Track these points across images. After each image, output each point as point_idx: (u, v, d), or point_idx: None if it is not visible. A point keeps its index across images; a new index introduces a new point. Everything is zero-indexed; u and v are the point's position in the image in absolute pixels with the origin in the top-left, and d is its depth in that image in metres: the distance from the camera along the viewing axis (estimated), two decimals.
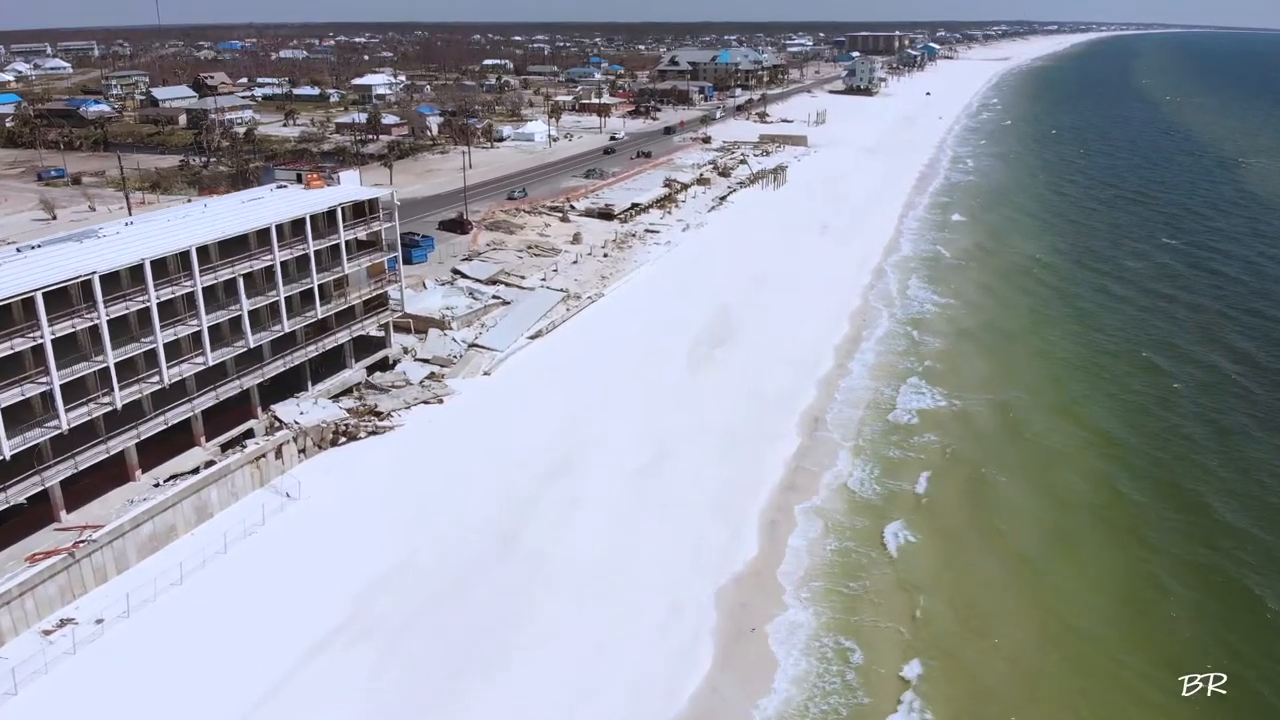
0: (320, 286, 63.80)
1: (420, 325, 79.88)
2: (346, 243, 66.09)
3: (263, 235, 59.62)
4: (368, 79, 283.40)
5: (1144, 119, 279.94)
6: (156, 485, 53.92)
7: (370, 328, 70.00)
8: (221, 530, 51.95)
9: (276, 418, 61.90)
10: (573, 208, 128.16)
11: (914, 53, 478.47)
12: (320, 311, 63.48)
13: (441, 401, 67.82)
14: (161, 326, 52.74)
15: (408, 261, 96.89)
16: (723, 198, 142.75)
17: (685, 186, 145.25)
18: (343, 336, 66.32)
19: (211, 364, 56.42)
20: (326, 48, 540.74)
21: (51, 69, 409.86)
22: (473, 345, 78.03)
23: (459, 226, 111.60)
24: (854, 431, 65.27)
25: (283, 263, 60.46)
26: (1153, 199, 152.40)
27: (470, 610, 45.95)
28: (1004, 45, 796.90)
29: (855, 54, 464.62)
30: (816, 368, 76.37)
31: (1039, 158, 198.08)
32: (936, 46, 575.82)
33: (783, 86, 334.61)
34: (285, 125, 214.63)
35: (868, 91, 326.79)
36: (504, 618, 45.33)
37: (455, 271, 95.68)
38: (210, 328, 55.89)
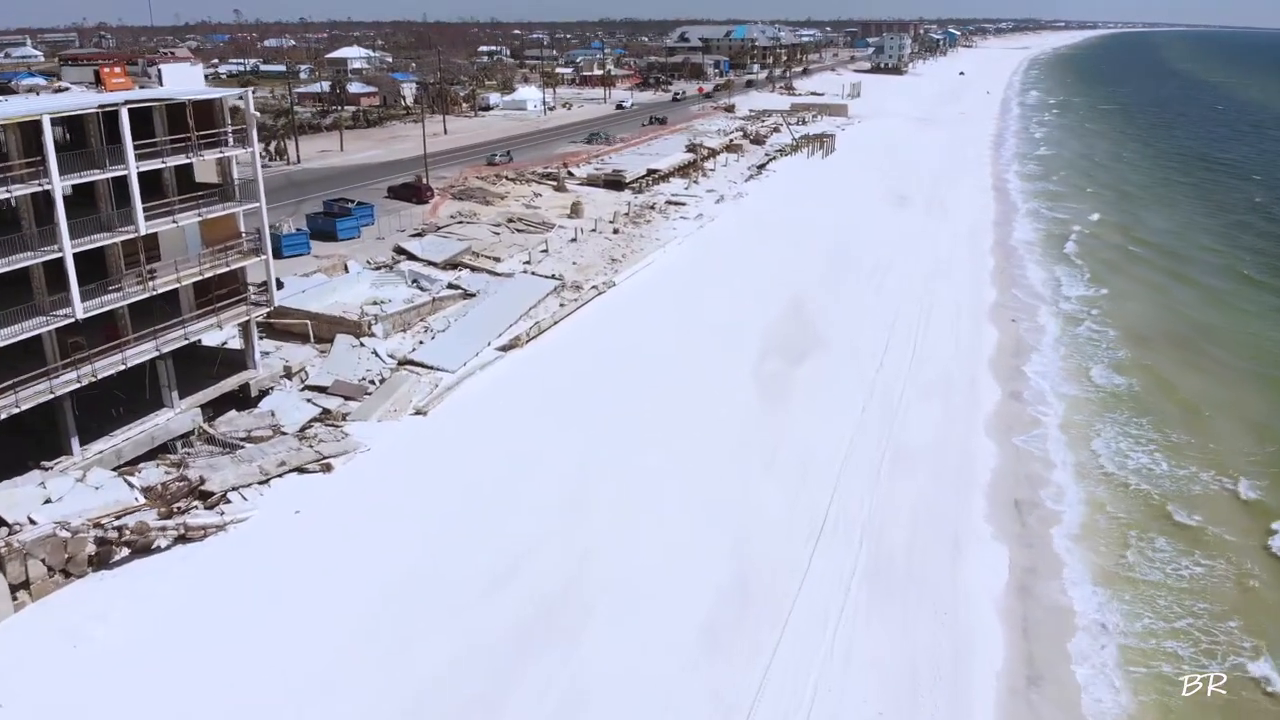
0: (90, 256, 33.70)
1: (325, 329, 49.70)
2: (150, 177, 35.98)
3: None
4: (342, 52, 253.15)
5: (1204, 98, 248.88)
6: None
7: (211, 333, 39.85)
8: None
9: None
10: (571, 174, 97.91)
11: (937, 37, 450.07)
12: (80, 305, 33.12)
13: (329, 468, 37.44)
14: None
15: (331, 238, 67.19)
16: (761, 166, 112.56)
17: (714, 153, 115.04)
18: (146, 351, 36.02)
19: None
20: (317, 39, 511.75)
21: (21, 57, 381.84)
22: (405, 362, 47.71)
23: (415, 194, 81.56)
24: (1097, 533, 34.86)
25: None
26: (1267, 173, 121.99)
27: None
28: (1017, 38, 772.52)
29: (869, 40, 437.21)
30: (976, 399, 46.01)
31: (1115, 131, 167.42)
32: (957, 33, 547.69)
33: (803, 65, 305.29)
34: (242, 98, 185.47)
35: (897, 70, 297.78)
36: None
37: (399, 250, 65.47)
38: None
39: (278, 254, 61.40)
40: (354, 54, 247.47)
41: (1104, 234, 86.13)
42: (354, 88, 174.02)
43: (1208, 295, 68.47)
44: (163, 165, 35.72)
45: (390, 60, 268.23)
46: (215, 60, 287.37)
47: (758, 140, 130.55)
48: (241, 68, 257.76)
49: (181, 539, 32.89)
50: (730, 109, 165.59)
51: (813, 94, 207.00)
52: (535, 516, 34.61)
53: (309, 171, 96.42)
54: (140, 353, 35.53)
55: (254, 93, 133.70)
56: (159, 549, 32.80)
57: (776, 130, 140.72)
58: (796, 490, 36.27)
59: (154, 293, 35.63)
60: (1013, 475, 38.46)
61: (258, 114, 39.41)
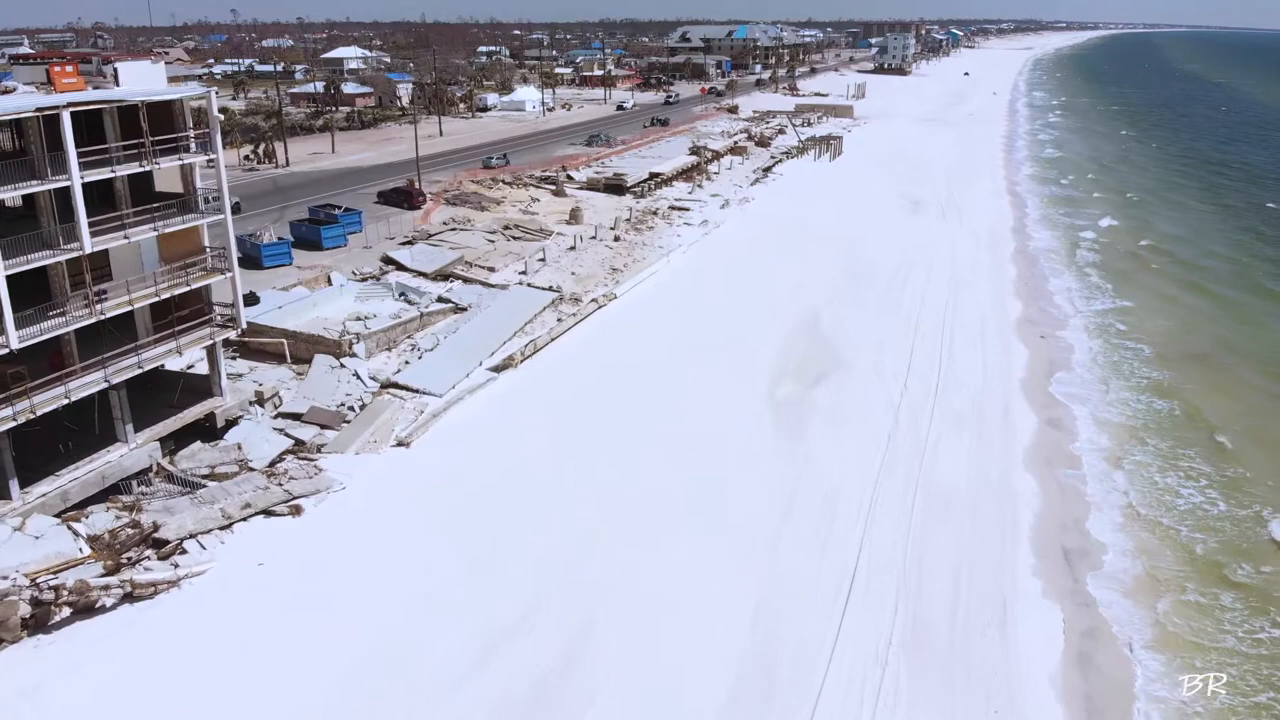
0: (31, 276, 30.03)
1: (303, 348, 45.99)
2: (104, 188, 32.34)
3: None
4: (338, 51, 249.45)
5: (1208, 99, 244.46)
6: None
7: (172, 358, 36.08)
8: None
9: None
10: (570, 178, 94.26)
11: (940, 37, 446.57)
12: (15, 334, 29.36)
13: (298, 511, 33.70)
14: None
15: (315, 247, 63.52)
16: (767, 169, 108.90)
17: (718, 155, 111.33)
18: (94, 382, 32.26)
19: None
20: (315, 40, 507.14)
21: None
22: (388, 385, 44.01)
23: (406, 199, 77.87)
24: (1155, 588, 31.09)
25: None
26: (1278, 175, 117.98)
27: None
28: (1018, 38, 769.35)
29: (872, 40, 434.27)
30: (1011, 428, 42.27)
31: (1122, 133, 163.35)
32: (959, 33, 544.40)
33: (810, 65, 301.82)
34: (235, 99, 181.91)
35: (901, 70, 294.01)
36: None
37: (387, 260, 61.79)
38: None
39: (258, 265, 58.10)
40: (350, 54, 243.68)
41: (1123, 242, 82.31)
42: (349, 88, 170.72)
43: (1233, 309, 64.63)
44: (113, 174, 31.95)
45: (388, 60, 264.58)
46: (211, 60, 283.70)
47: (763, 142, 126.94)
48: (236, 68, 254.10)
49: (128, 597, 29.19)
50: (734, 110, 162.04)
51: (817, 94, 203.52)
52: (529, 570, 30.90)
53: (297, 175, 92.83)
54: (86, 384, 31.78)
55: (247, 94, 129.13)
56: (104, 608, 29.15)
57: (781, 132, 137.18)
58: (822, 537, 32.53)
59: (102, 317, 31.85)
60: (1058, 518, 34.71)
61: (221, 115, 35.56)
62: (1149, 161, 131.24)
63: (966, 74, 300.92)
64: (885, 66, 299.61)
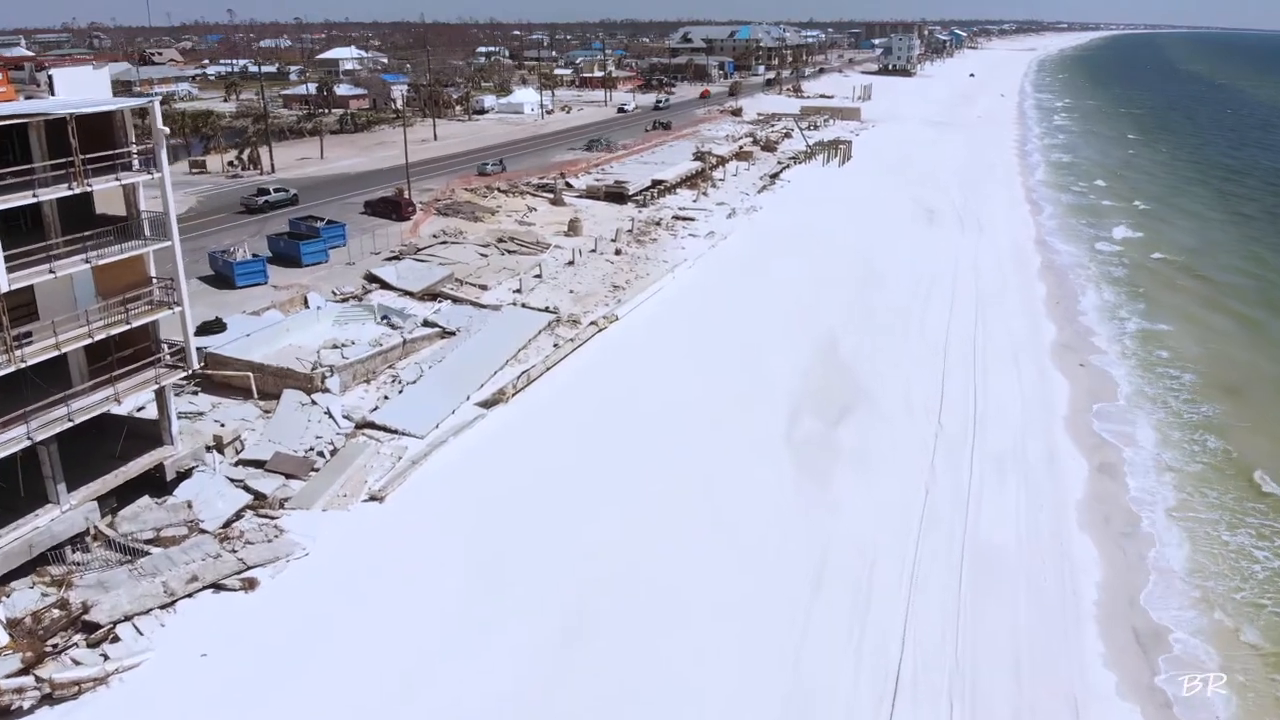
0: None
1: (271, 382, 41.59)
2: (32, 213, 28.04)
3: None
4: (334, 52, 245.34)
5: (1216, 100, 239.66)
6: None
7: (111, 404, 31.58)
8: None
9: None
10: (569, 186, 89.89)
11: (944, 38, 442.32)
12: None
13: (252, 585, 29.28)
14: None
15: (294, 263, 59.14)
16: (774, 175, 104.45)
17: (723, 161, 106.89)
18: (15, 440, 27.81)
19: None
20: (314, 40, 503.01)
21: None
22: (364, 425, 39.60)
23: (395, 209, 73.53)
24: (1239, 680, 26.77)
25: None
26: None
27: None
28: (1020, 39, 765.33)
29: (875, 41, 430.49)
30: (1060, 476, 37.80)
31: (1134, 136, 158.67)
32: (963, 34, 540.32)
33: (817, 66, 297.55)
34: (226, 100, 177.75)
35: (905, 72, 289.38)
36: None
37: (370, 278, 57.41)
38: None
39: (230, 285, 53.85)
40: (346, 54, 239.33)
41: (1145, 256, 77.39)
42: (342, 90, 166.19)
43: (1264, 332, 60.12)
44: (35, 199, 27.54)
45: (385, 61, 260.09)
46: (205, 61, 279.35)
47: (768, 147, 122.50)
48: (231, 69, 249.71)
49: (47, 699, 24.84)
50: (737, 112, 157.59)
51: (822, 96, 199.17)
52: (513, 661, 26.52)
53: (283, 182, 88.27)
54: (5, 442, 27.37)
55: (238, 95, 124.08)
56: (20, 710, 24.81)
57: (788, 136, 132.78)
58: (859, 617, 28.08)
59: (23, 365, 27.44)
60: (1124, 590, 30.32)
61: (165, 129, 31.14)
62: (1158, 168, 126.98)
63: (972, 75, 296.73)
64: (890, 68, 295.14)
